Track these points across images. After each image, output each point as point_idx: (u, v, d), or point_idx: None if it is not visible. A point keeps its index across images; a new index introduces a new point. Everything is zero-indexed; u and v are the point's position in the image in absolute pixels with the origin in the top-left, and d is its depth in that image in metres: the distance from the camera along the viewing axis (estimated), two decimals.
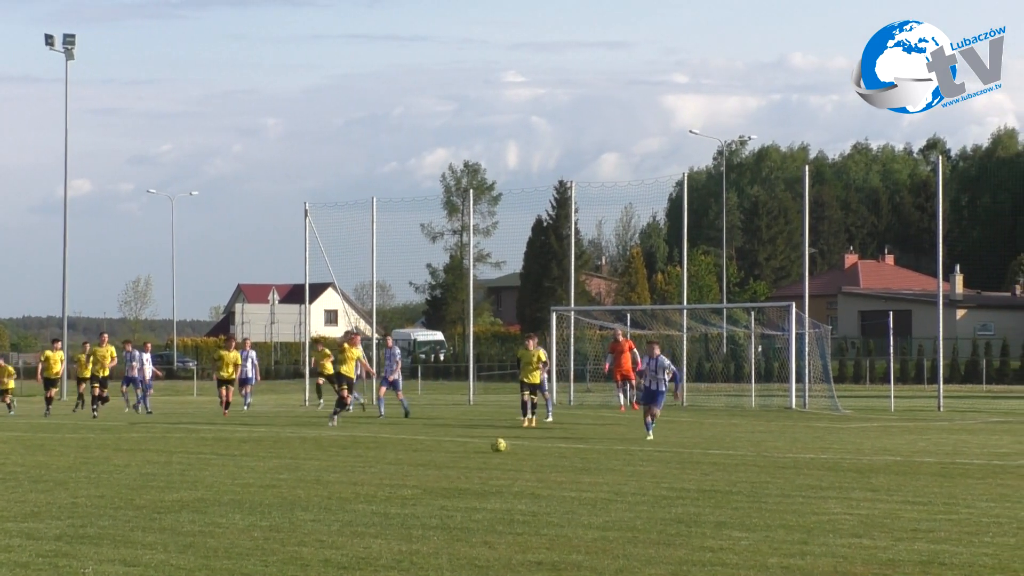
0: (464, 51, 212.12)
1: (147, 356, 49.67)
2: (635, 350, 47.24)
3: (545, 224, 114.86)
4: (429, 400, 48.03)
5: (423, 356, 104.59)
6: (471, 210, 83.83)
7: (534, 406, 38.15)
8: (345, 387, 38.76)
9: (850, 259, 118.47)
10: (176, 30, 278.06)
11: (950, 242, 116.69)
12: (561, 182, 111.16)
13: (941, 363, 55.03)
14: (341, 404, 38.95)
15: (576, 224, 71.34)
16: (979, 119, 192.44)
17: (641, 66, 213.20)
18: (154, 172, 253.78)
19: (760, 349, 67.32)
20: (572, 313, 59.92)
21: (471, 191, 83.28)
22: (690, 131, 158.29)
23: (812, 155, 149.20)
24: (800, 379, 50.33)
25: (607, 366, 48.92)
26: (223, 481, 21.60)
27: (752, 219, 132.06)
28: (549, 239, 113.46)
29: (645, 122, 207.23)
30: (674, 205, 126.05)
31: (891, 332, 53.40)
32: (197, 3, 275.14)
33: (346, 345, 39.17)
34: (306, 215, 59.06)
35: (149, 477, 22.42)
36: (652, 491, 20.30)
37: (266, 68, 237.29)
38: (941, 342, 54.57)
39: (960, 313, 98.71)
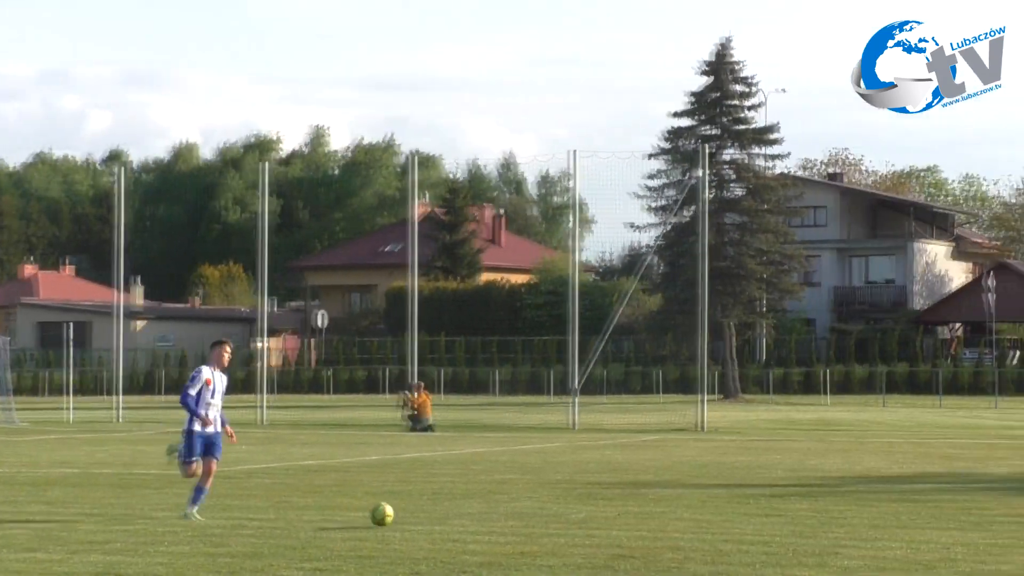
0: None
1: None
2: None
3: None
4: None
5: None
6: None
7: None
8: None
9: (30, 270, 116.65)
10: None
11: (132, 253, 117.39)
12: None
13: (120, 374, 55.24)
14: None
15: None
16: (162, 132, 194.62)
17: None
18: None
19: None
20: None
21: None
22: None
23: None
24: None
25: None
26: None
27: None
28: None
29: None
30: None
31: (70, 343, 53.08)
32: None
33: None
34: None
35: None
36: None
37: None
38: (121, 353, 54.92)
39: (140, 324, 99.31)
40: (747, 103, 72.05)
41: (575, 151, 49.17)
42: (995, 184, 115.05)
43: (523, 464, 29.06)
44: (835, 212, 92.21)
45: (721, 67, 71.51)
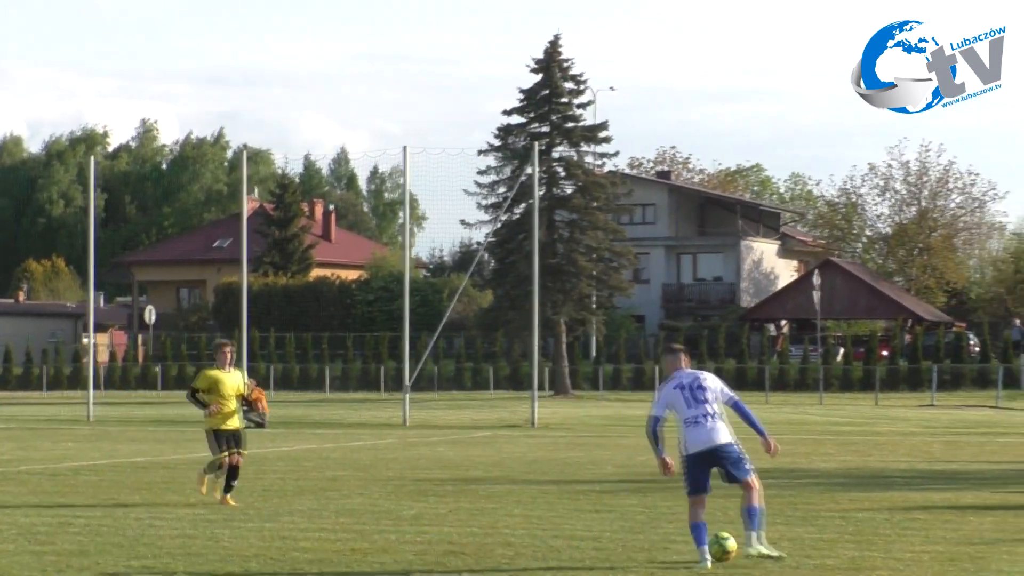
0: None
1: None
2: None
3: None
4: None
5: None
6: None
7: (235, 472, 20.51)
8: None
9: None
10: None
11: None
12: None
13: None
14: None
15: None
16: None
17: None
18: None
19: None
20: None
21: None
22: None
23: None
24: None
25: None
26: None
27: None
28: None
29: None
30: None
31: None
32: None
33: None
34: None
35: None
36: None
37: None
38: None
39: None
40: (577, 101, 72.42)
41: (407, 147, 49.12)
42: (817, 185, 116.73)
43: (355, 461, 28.99)
44: (664, 210, 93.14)
45: (551, 64, 71.80)
